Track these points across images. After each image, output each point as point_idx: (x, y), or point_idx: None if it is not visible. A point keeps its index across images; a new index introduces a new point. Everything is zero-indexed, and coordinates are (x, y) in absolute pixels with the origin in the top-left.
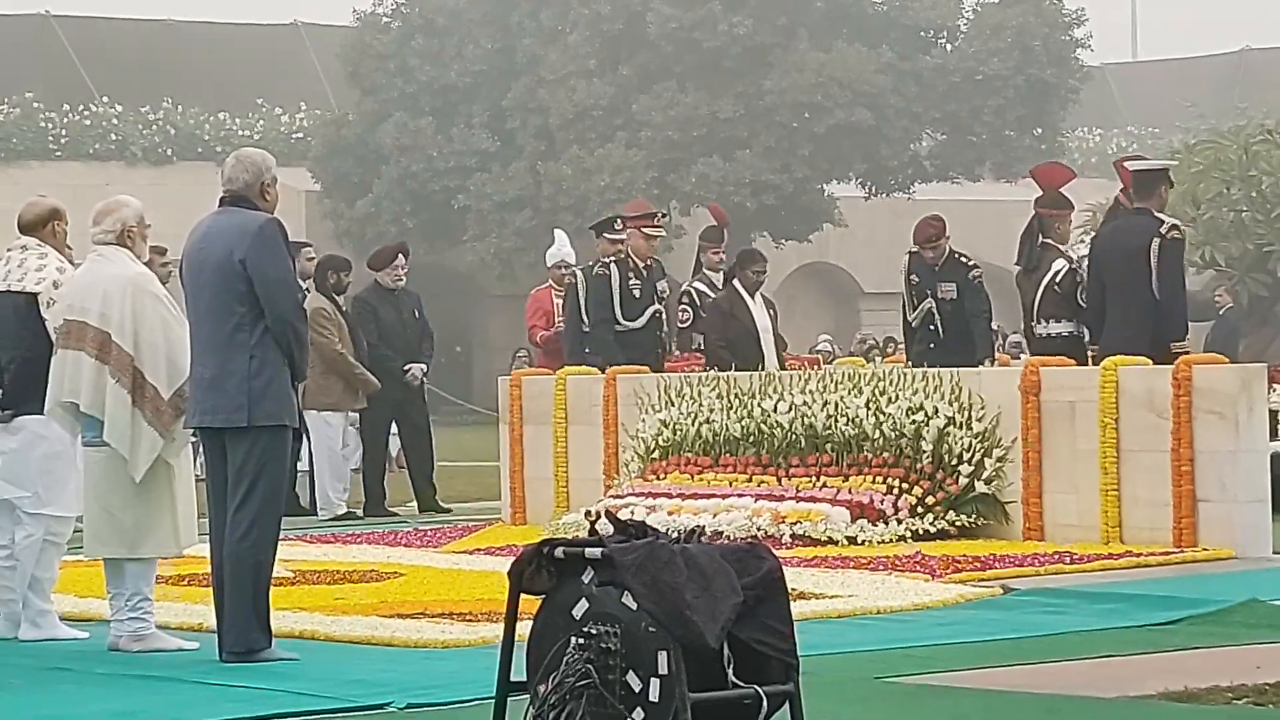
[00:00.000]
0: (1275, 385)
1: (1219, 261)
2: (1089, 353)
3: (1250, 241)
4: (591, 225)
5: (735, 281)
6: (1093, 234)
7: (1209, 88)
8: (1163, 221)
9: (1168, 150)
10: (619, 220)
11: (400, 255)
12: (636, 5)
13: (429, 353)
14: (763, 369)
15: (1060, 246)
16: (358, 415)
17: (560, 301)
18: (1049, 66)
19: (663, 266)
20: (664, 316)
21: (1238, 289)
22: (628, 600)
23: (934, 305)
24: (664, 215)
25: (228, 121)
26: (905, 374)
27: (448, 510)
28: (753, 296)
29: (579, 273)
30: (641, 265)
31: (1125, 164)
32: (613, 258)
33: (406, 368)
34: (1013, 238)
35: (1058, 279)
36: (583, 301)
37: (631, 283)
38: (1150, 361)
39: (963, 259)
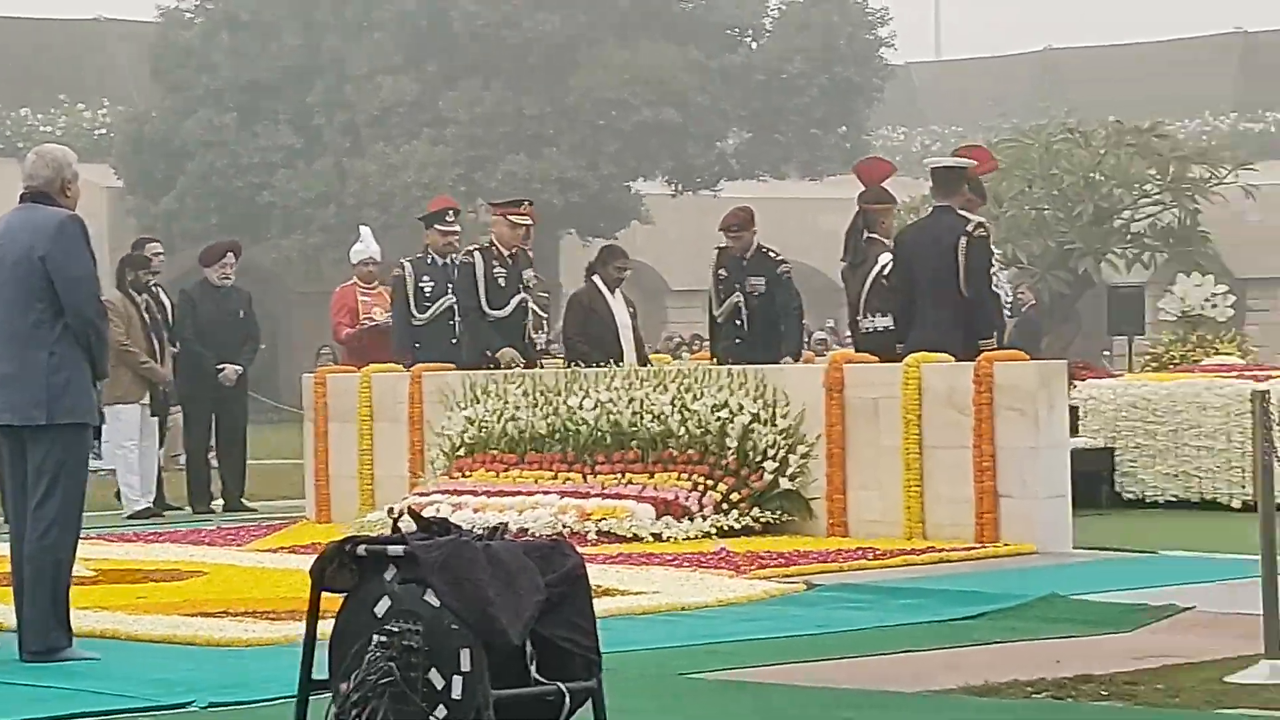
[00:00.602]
0: (1075, 382)
1: (1021, 259)
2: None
3: (1052, 239)
4: (421, 217)
5: (596, 277)
6: (897, 232)
7: (1012, 87)
8: (968, 219)
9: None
10: (450, 212)
11: (230, 254)
12: (442, 2)
13: (250, 353)
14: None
15: (885, 241)
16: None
17: (367, 298)
18: (853, 65)
19: (528, 254)
20: (529, 304)
21: (1039, 286)
22: (430, 598)
23: (742, 300)
24: (530, 203)
25: (29, 117)
26: (710, 371)
27: (253, 509)
28: (613, 293)
29: (406, 265)
30: (506, 253)
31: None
32: (477, 246)
33: (220, 367)
34: (819, 235)
35: (885, 273)
36: (410, 294)
37: (496, 271)
38: (952, 359)
39: (771, 254)
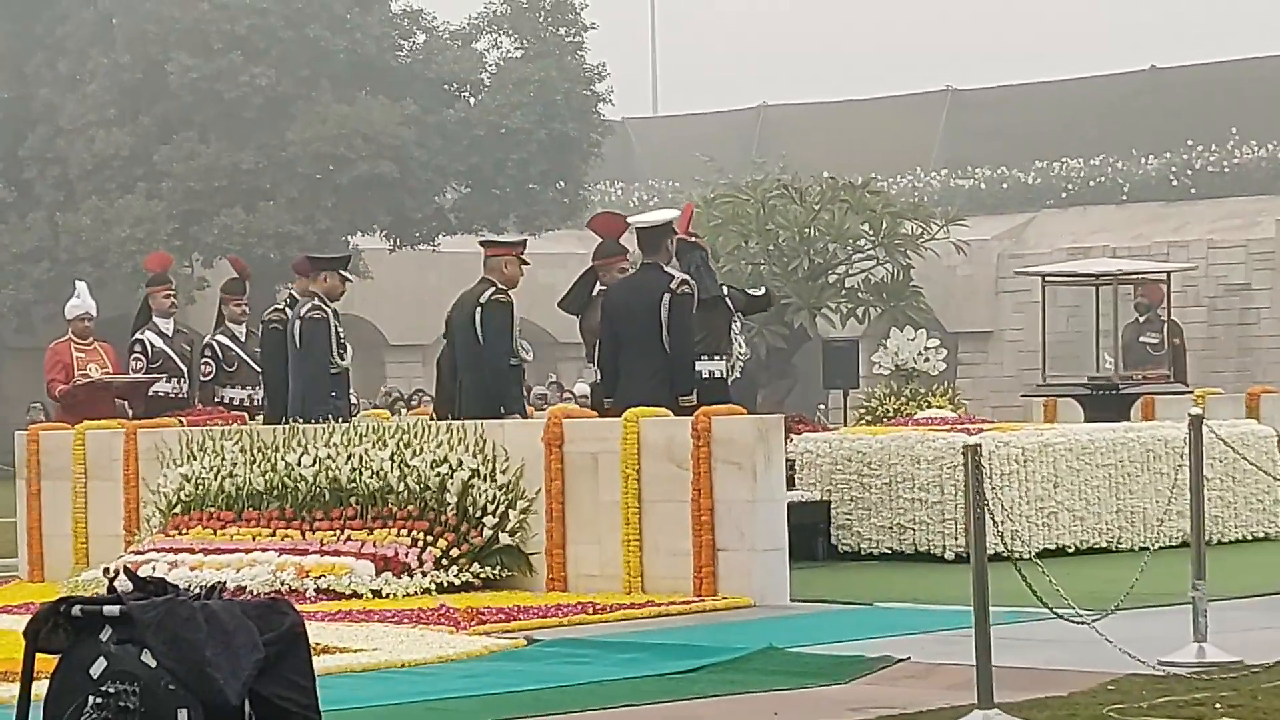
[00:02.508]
0: (792, 436)
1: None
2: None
3: None
4: (314, 257)
5: None
6: (602, 289)
7: (728, 143)
8: (673, 277)
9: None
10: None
11: None
12: (156, 54)
13: None
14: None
15: None
16: None
17: (82, 354)
18: (571, 121)
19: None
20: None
21: (756, 341)
22: (147, 658)
23: None
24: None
25: None
26: (430, 426)
27: None
28: None
29: (328, 310)
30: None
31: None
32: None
33: None
34: (536, 289)
35: None
36: (332, 341)
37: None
38: (670, 413)
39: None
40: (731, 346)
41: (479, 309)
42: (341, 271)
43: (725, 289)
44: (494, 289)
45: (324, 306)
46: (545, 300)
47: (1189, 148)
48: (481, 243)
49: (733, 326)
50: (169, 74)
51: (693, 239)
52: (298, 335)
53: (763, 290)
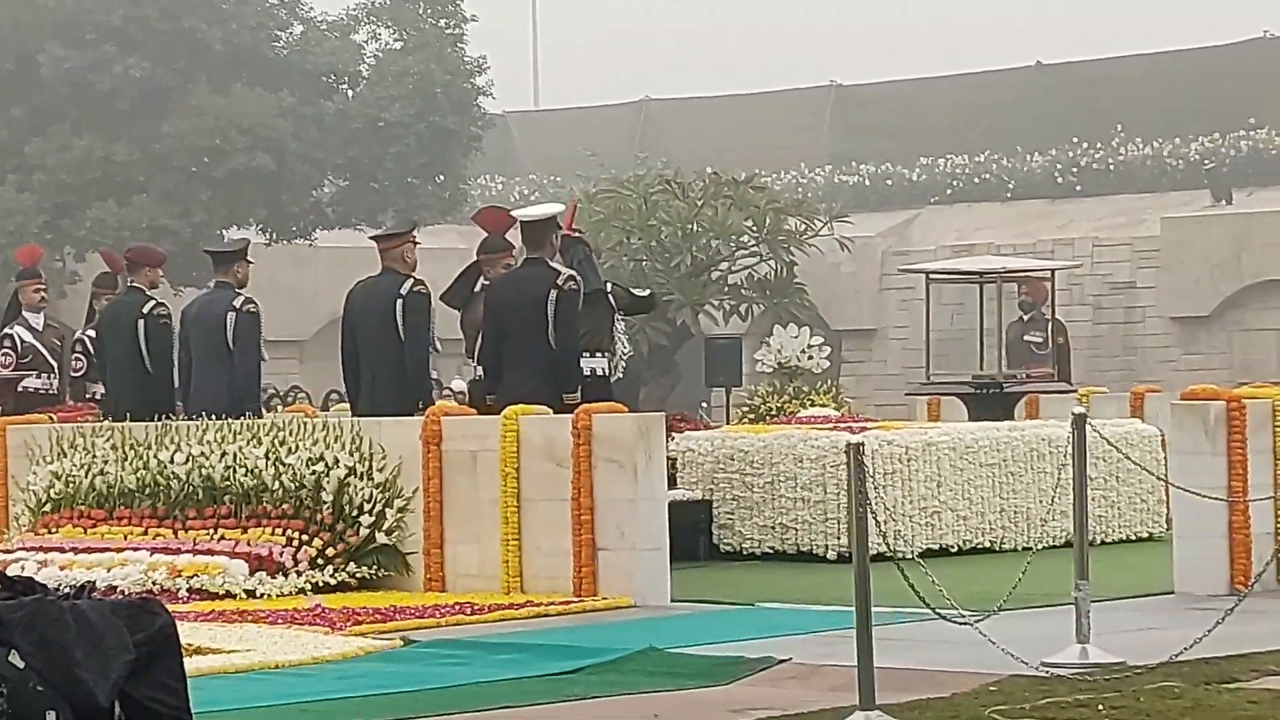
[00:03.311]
0: (673, 434)
1: None
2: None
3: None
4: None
5: None
6: (486, 284)
7: (610, 137)
8: (559, 272)
9: (569, 200)
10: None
11: None
12: (29, 45)
13: None
14: None
15: None
16: None
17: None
18: (451, 114)
19: None
20: None
21: (638, 338)
22: (14, 659)
23: None
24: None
25: None
26: (305, 424)
27: None
28: None
29: (236, 308)
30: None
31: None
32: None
33: None
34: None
35: None
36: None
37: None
38: (551, 411)
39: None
40: (614, 344)
41: (400, 301)
42: (249, 260)
43: (609, 285)
44: (413, 280)
45: (254, 299)
46: None
47: (1074, 145)
48: (373, 236)
49: (615, 324)
50: (41, 65)
51: (576, 234)
52: (231, 329)
53: (647, 291)
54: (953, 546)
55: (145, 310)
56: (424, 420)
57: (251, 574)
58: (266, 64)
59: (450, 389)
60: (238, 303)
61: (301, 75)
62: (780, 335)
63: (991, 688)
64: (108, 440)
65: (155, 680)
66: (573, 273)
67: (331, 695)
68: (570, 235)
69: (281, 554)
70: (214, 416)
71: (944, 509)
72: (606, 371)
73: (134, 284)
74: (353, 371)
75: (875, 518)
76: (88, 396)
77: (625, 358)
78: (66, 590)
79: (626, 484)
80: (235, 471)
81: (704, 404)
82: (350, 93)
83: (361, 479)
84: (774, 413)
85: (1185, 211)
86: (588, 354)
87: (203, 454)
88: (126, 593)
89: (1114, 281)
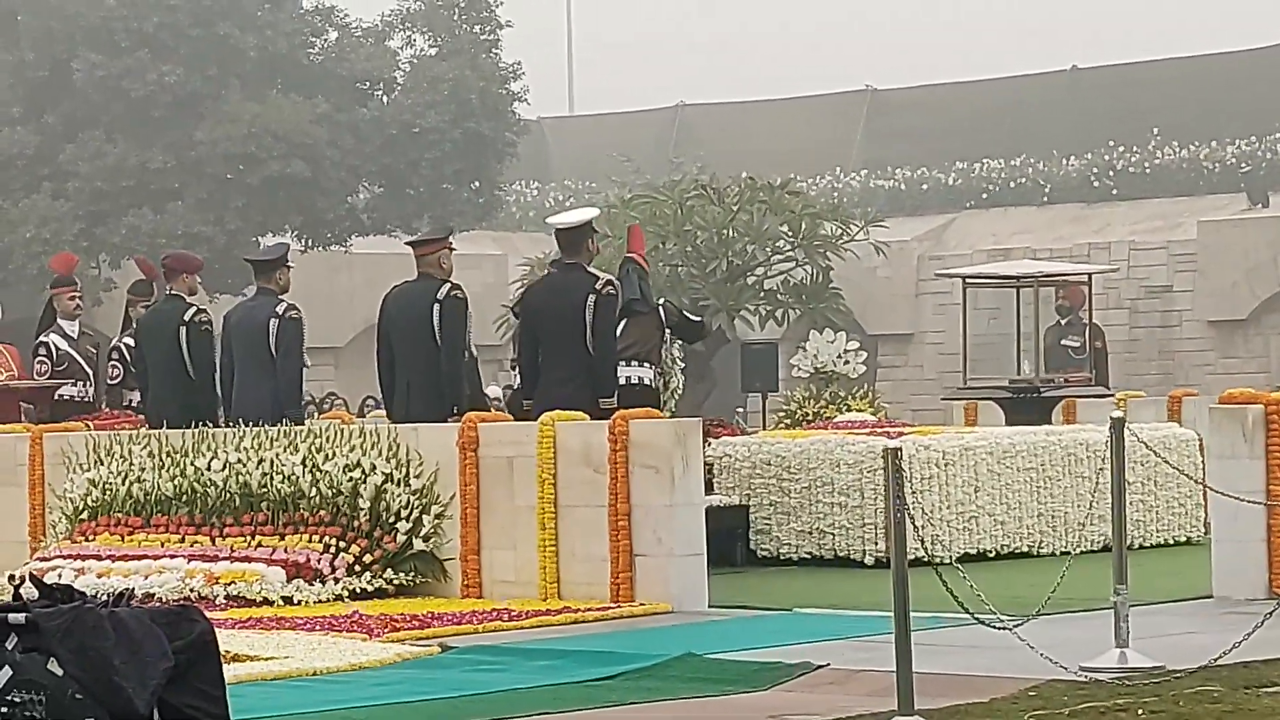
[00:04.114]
0: (710, 439)
1: None
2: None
3: (686, 296)
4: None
5: None
6: (522, 290)
7: (645, 143)
8: (597, 278)
9: (603, 204)
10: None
11: None
12: (62, 52)
13: None
14: None
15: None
16: None
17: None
18: (486, 120)
19: None
20: None
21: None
22: (53, 667)
23: None
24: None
25: None
26: (342, 430)
27: None
28: None
29: (279, 314)
30: None
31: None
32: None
33: None
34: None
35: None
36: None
37: None
38: (587, 417)
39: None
40: (661, 358)
41: (437, 306)
42: (290, 265)
43: (662, 301)
44: (450, 285)
45: (297, 305)
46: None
47: (1110, 149)
48: (409, 242)
49: (665, 340)
50: (75, 71)
51: (632, 256)
52: (274, 336)
53: (700, 318)
54: (990, 551)
55: (187, 317)
56: (460, 426)
57: (289, 581)
58: (301, 70)
59: (486, 395)
60: (280, 309)
61: (336, 82)
62: (816, 340)
63: (1030, 693)
64: (145, 448)
65: (194, 687)
66: (611, 278)
67: (369, 702)
68: (629, 256)
69: (319, 561)
70: (257, 423)
71: (981, 514)
72: (652, 382)
73: (173, 291)
74: (389, 377)
75: (913, 522)
76: (124, 404)
77: (681, 375)
78: (104, 598)
79: (663, 489)
80: (272, 479)
81: (740, 409)
82: (385, 99)
83: (398, 485)
84: (810, 418)
85: (1221, 215)
86: (636, 363)
87: (240, 461)
88: (164, 600)
89: (1151, 285)
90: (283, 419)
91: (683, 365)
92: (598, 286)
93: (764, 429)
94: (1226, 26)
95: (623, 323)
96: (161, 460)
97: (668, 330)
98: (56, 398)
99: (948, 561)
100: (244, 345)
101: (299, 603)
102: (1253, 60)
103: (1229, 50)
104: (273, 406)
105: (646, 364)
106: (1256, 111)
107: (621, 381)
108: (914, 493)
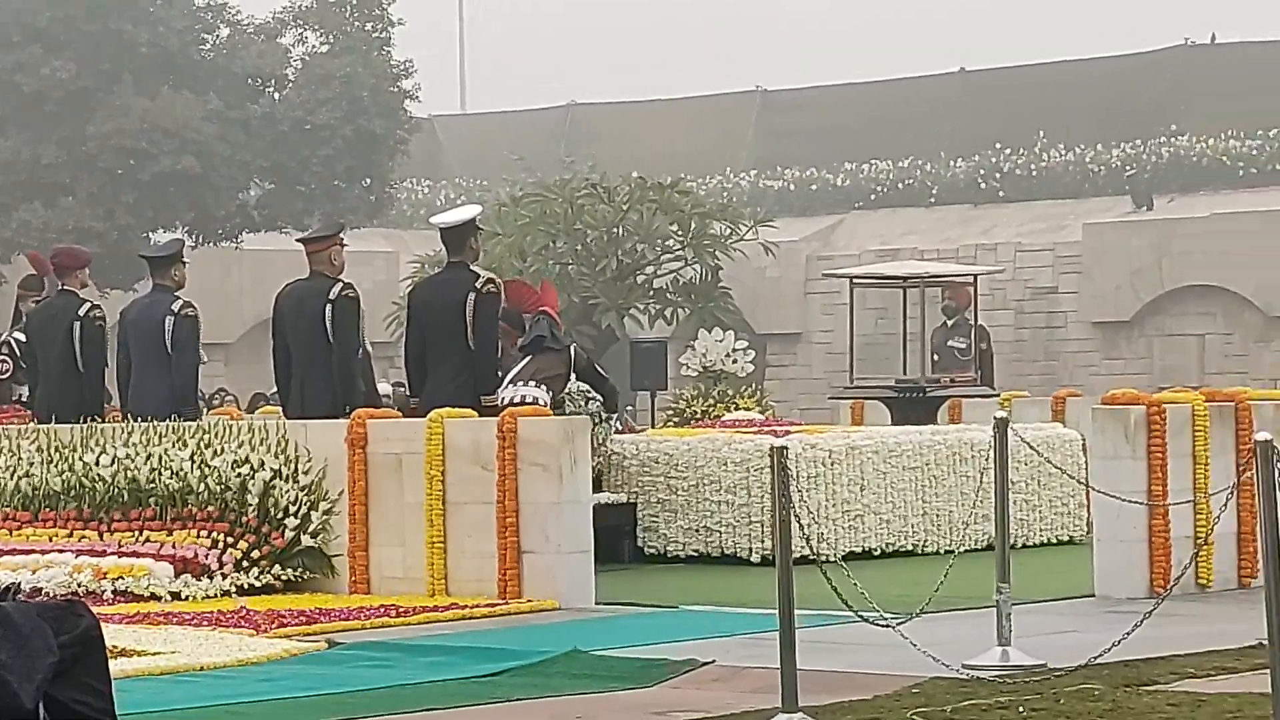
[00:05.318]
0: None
1: None
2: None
3: (576, 294)
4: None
5: None
6: (410, 288)
7: (536, 141)
8: (478, 275)
9: (494, 202)
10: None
11: None
12: None
13: None
14: None
15: None
16: None
17: None
18: (377, 117)
19: None
20: None
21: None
22: None
23: None
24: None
25: None
26: (231, 426)
27: None
28: None
29: (175, 312)
30: None
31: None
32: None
33: None
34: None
35: None
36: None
37: None
38: (476, 414)
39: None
40: (563, 388)
41: (330, 305)
42: (185, 261)
43: (574, 347)
44: (342, 284)
45: (193, 303)
46: None
47: (997, 151)
48: (300, 239)
49: (569, 377)
50: None
51: (547, 311)
52: (170, 333)
53: (610, 382)
54: (875, 549)
55: (81, 312)
56: (349, 423)
57: (176, 576)
58: (193, 66)
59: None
60: (176, 306)
61: (228, 78)
62: (705, 339)
63: (913, 690)
64: (33, 442)
65: (80, 682)
66: (492, 276)
67: (256, 697)
68: (543, 310)
69: (206, 556)
70: (155, 419)
71: (867, 512)
72: (544, 405)
73: (65, 287)
74: (284, 375)
75: (798, 521)
76: (14, 399)
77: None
78: None
79: (552, 487)
80: (161, 474)
81: (629, 407)
82: (277, 96)
83: (287, 481)
84: (699, 416)
85: (1107, 217)
86: (534, 384)
87: (128, 456)
88: (51, 594)
89: (1036, 287)
90: (180, 415)
91: (599, 401)
92: (478, 285)
93: (653, 427)
94: (1113, 31)
95: (529, 356)
96: (50, 455)
97: (574, 374)
98: None
99: (833, 559)
100: (140, 342)
101: (186, 598)
102: (1139, 64)
103: (1115, 54)
104: (170, 403)
105: (544, 387)
106: (1142, 115)
107: (516, 400)
108: (800, 491)
